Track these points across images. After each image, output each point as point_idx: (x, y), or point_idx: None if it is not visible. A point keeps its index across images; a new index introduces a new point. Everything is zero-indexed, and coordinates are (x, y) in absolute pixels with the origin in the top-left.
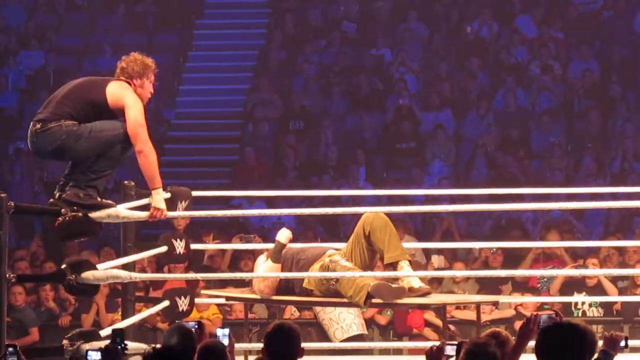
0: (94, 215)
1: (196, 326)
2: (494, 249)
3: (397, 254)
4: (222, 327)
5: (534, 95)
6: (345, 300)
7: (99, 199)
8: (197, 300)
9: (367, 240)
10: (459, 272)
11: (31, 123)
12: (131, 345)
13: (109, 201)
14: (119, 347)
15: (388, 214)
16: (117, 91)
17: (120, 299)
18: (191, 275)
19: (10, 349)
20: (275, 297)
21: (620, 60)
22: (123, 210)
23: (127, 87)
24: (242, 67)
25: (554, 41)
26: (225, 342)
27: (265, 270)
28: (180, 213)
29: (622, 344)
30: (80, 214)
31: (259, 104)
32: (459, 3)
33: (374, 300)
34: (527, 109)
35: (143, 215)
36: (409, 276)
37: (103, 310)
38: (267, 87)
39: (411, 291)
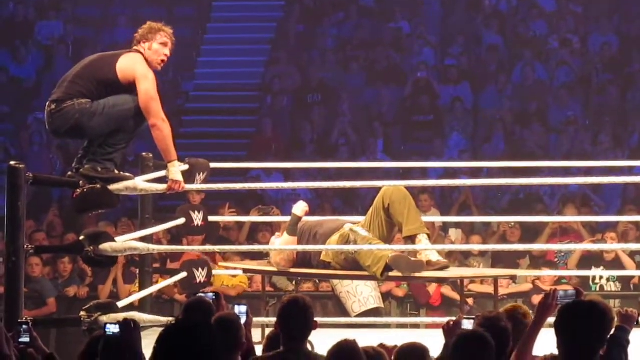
0: (112, 187)
1: (214, 297)
2: (512, 224)
3: (416, 227)
4: (239, 304)
5: (552, 69)
6: (362, 273)
7: (116, 172)
8: (214, 272)
9: (386, 213)
10: (477, 246)
11: (46, 104)
12: (147, 317)
13: (127, 174)
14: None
15: (407, 187)
16: (126, 65)
17: (137, 271)
18: (209, 247)
19: (24, 327)
20: (292, 270)
21: (638, 34)
22: (141, 183)
23: (137, 58)
24: (261, 40)
25: (573, 15)
26: (243, 319)
27: (281, 243)
28: (198, 186)
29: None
30: (97, 186)
31: (277, 77)
32: None
33: (391, 274)
34: (545, 83)
35: (161, 187)
36: (427, 250)
37: (121, 282)
38: (285, 60)
39: (429, 265)
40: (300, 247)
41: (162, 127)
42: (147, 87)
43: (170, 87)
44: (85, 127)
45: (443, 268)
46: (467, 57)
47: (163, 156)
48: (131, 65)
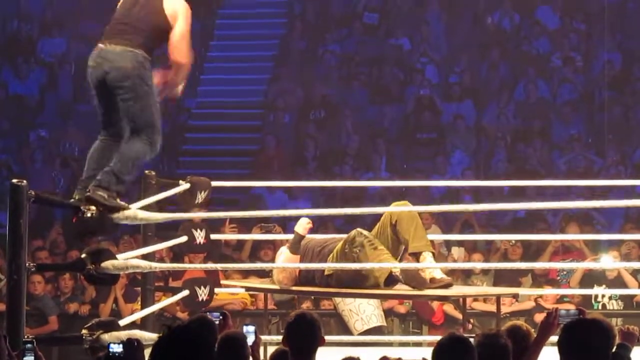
0: (113, 216)
1: (220, 317)
2: (513, 241)
3: (422, 244)
4: (247, 324)
5: (555, 86)
6: (364, 291)
7: (119, 201)
8: (216, 290)
9: (392, 230)
10: (480, 264)
11: (99, 45)
12: (149, 335)
13: (123, 203)
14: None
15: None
16: (172, 4)
17: (139, 288)
18: (211, 265)
19: (28, 345)
20: (294, 288)
21: None
22: (140, 212)
23: None
24: (263, 57)
25: (576, 33)
26: (251, 338)
27: (283, 261)
28: (199, 215)
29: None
30: (98, 214)
31: (279, 94)
32: None
33: (393, 291)
34: (548, 101)
35: (161, 217)
36: (431, 268)
37: (121, 301)
38: (288, 77)
39: (432, 282)
40: (303, 265)
41: (188, 67)
42: (186, 28)
43: (173, 104)
44: (130, 99)
45: (446, 286)
46: (469, 74)
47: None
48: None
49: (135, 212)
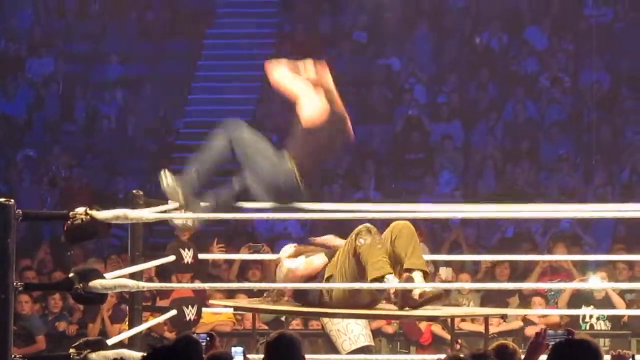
0: (101, 217)
1: (207, 338)
2: (489, 263)
3: (418, 262)
4: (236, 345)
5: (543, 107)
6: (352, 311)
7: None
8: (204, 309)
9: (391, 245)
10: (468, 285)
11: None
12: (137, 355)
13: None
14: None
15: (398, 218)
16: None
17: (127, 308)
18: (199, 285)
19: None
20: (281, 308)
21: (629, 72)
22: (131, 212)
23: None
24: (252, 77)
25: (564, 53)
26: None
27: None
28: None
29: None
30: (88, 217)
31: (268, 114)
32: (470, 14)
33: (382, 311)
34: (537, 121)
35: (151, 216)
36: (419, 287)
37: (108, 321)
38: (277, 97)
39: (422, 296)
40: (307, 286)
41: None
42: None
43: (161, 123)
44: None
45: (437, 296)
46: (458, 94)
47: None
48: None
49: (125, 211)
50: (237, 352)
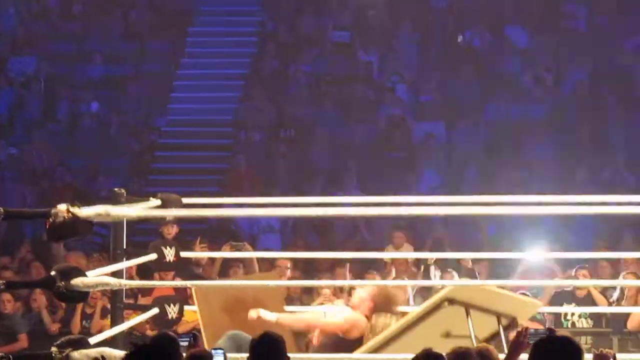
0: (83, 214)
1: (191, 338)
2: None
3: None
4: (216, 348)
5: (525, 105)
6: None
7: None
8: (186, 307)
9: None
10: (448, 282)
11: None
12: (119, 353)
13: None
14: None
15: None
16: None
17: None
18: (181, 283)
19: None
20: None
21: (611, 71)
22: (113, 209)
23: None
24: (234, 75)
25: (546, 52)
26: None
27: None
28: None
29: None
30: (70, 214)
31: (250, 113)
32: (453, 13)
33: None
34: (519, 120)
35: (133, 213)
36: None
37: (98, 316)
38: (259, 96)
39: None
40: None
41: None
42: None
43: (143, 122)
44: None
45: None
46: (441, 93)
47: None
48: None
49: (107, 208)
50: (217, 352)
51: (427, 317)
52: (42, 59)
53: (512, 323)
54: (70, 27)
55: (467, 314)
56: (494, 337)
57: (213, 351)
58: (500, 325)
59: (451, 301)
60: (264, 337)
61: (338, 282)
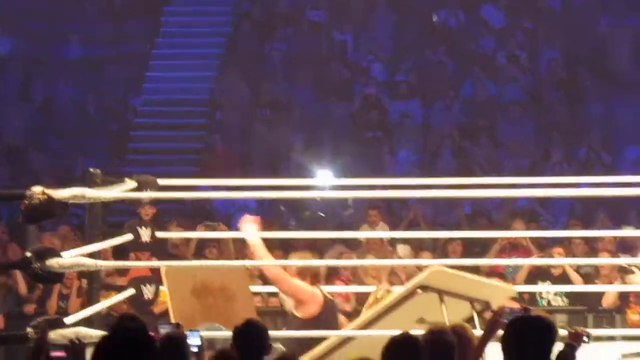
0: (58, 196)
1: (175, 326)
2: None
3: None
4: (193, 330)
5: (501, 85)
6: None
7: None
8: (162, 288)
9: None
10: (425, 261)
11: None
12: (94, 333)
13: None
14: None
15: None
16: None
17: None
18: (157, 263)
19: None
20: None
21: (587, 51)
22: (88, 191)
23: None
24: (210, 55)
25: (521, 31)
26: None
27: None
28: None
29: (585, 339)
30: (45, 196)
31: (226, 92)
32: None
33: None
34: (494, 99)
35: (109, 195)
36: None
37: (75, 296)
38: (235, 75)
39: None
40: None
41: None
42: None
43: (119, 102)
44: None
45: None
46: (416, 72)
47: None
48: None
49: (83, 190)
50: (193, 334)
51: (400, 304)
52: (16, 39)
53: (486, 308)
54: (46, 6)
55: (441, 300)
56: (467, 322)
57: (189, 332)
58: (474, 311)
59: (424, 288)
60: (247, 324)
61: (314, 262)
